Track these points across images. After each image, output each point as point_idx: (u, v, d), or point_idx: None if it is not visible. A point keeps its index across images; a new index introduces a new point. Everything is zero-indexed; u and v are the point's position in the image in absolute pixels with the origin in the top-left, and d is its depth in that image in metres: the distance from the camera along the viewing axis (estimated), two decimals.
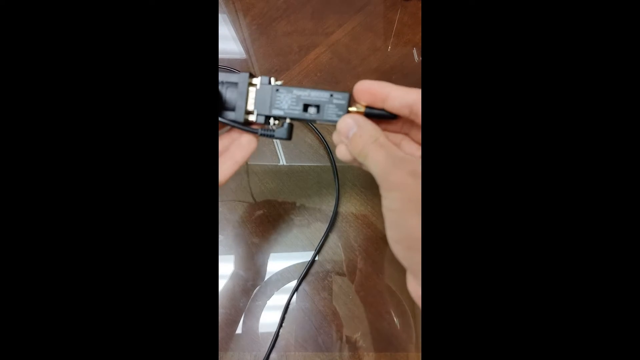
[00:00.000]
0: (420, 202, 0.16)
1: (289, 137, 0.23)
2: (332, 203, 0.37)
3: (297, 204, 0.38)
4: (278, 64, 0.44)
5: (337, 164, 0.39)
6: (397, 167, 0.18)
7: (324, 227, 0.36)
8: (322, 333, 0.33)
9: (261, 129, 0.23)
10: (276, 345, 0.33)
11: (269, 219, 0.37)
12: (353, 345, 0.33)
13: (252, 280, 0.35)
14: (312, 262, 0.35)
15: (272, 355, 0.32)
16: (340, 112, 0.22)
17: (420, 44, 0.44)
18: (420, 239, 0.16)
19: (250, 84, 0.22)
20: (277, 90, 0.22)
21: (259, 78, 0.22)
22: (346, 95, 0.22)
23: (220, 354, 0.32)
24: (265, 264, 0.36)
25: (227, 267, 0.36)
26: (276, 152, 0.40)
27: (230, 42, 0.46)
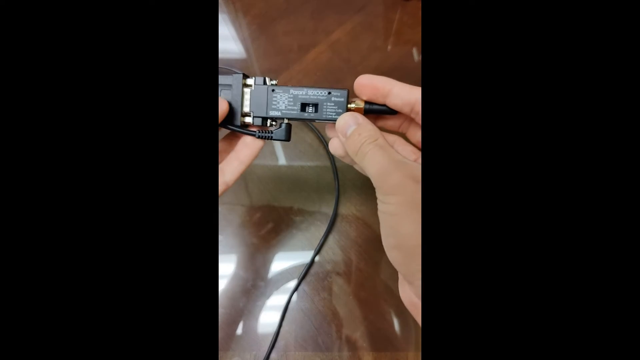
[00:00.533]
0: (419, 207, 0.16)
1: (288, 138, 0.22)
2: (332, 203, 0.37)
3: (297, 204, 0.38)
4: (278, 63, 0.44)
5: (337, 164, 0.39)
6: (396, 170, 0.18)
7: (323, 227, 0.36)
8: (322, 333, 0.33)
9: (259, 131, 0.22)
10: (276, 345, 0.33)
11: (268, 219, 0.37)
12: (353, 345, 0.33)
13: (252, 280, 0.35)
14: (312, 262, 0.35)
15: (272, 355, 0.32)
16: (340, 110, 0.21)
17: (420, 44, 0.44)
18: (418, 246, 0.16)
19: (245, 85, 0.22)
20: (273, 90, 0.21)
21: (253, 79, 0.22)
22: (344, 92, 0.21)
23: (220, 354, 0.32)
24: (265, 264, 0.36)
25: (227, 268, 0.36)
26: (275, 152, 0.40)
27: (230, 42, 0.46)
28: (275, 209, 0.38)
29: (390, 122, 0.22)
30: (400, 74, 0.42)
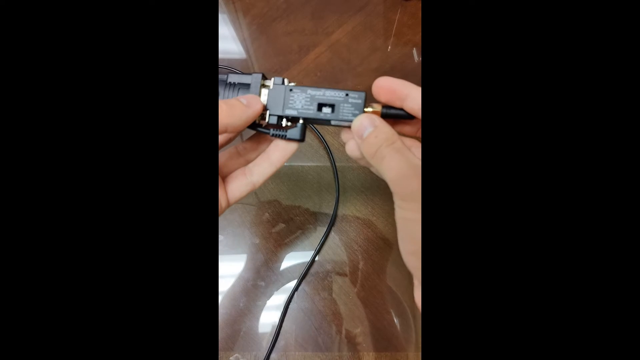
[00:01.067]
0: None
1: (302, 138, 0.22)
2: (332, 203, 0.37)
3: (297, 204, 0.38)
4: (278, 63, 0.44)
5: (337, 164, 0.39)
6: (415, 176, 0.17)
7: (324, 227, 0.36)
8: (322, 333, 0.33)
9: (273, 130, 0.22)
10: (276, 345, 0.33)
11: (268, 219, 0.37)
12: (353, 345, 0.33)
13: (252, 280, 0.35)
14: (312, 262, 0.35)
15: (272, 356, 0.32)
16: (357, 112, 0.21)
17: (420, 44, 0.44)
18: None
19: (263, 86, 0.22)
20: (291, 90, 0.21)
21: (272, 79, 0.22)
22: (362, 94, 0.21)
23: (221, 353, 0.32)
24: (265, 264, 0.36)
25: (227, 267, 0.36)
26: None
27: (230, 42, 0.46)
28: (276, 209, 0.38)
29: (408, 128, 0.22)
30: (400, 75, 0.42)
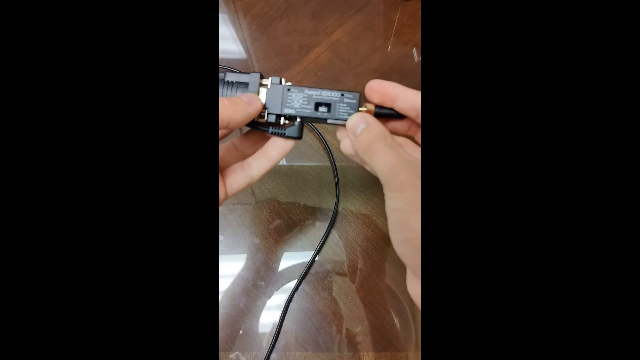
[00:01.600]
0: None
1: (300, 136, 0.23)
2: (332, 203, 0.37)
3: (297, 204, 0.38)
4: (278, 63, 0.44)
5: (337, 164, 0.39)
6: (404, 168, 0.18)
7: (323, 227, 0.36)
8: (322, 333, 0.33)
9: (272, 128, 0.23)
10: (276, 345, 0.33)
11: (268, 219, 0.37)
12: (353, 345, 0.33)
13: (253, 280, 0.35)
14: (312, 262, 0.35)
15: (272, 356, 0.32)
16: (351, 111, 0.22)
17: (420, 44, 0.44)
18: None
19: (261, 85, 0.22)
20: (289, 89, 0.22)
21: (270, 78, 0.22)
22: (357, 94, 0.22)
23: (221, 353, 0.33)
24: (265, 264, 0.36)
25: (227, 267, 0.36)
26: None
27: (230, 42, 0.46)
28: (276, 209, 0.38)
29: (399, 126, 0.23)
30: (400, 75, 0.42)
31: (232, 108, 0.20)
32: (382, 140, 0.19)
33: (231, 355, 0.32)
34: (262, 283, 0.35)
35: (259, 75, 0.22)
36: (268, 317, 0.34)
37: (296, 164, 0.40)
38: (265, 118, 0.22)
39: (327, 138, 0.40)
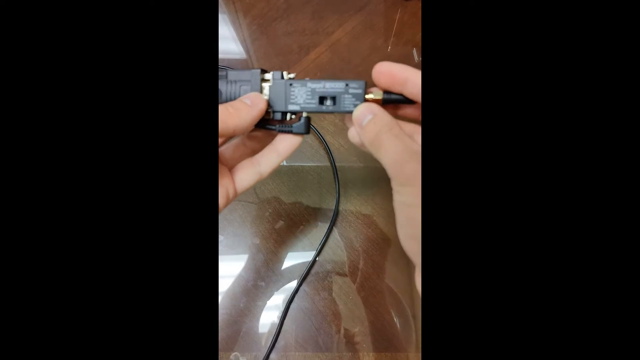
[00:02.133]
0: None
1: (307, 131, 0.22)
2: (333, 203, 0.37)
3: (298, 204, 0.38)
4: (278, 63, 0.44)
5: (337, 164, 0.39)
6: (413, 160, 0.17)
7: (324, 227, 0.36)
8: (322, 333, 0.33)
9: (279, 125, 0.22)
10: (276, 345, 0.33)
11: (269, 219, 0.37)
12: (353, 345, 0.33)
13: (253, 280, 0.35)
14: (313, 262, 0.35)
15: (272, 356, 0.32)
16: (357, 102, 0.21)
17: (420, 44, 0.44)
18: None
19: (263, 80, 0.22)
20: (291, 84, 0.22)
21: (272, 73, 0.22)
22: (362, 83, 0.21)
23: (221, 354, 0.33)
24: (265, 264, 0.36)
25: (227, 267, 0.36)
26: None
27: (230, 42, 0.46)
28: (276, 209, 0.38)
29: (410, 111, 0.22)
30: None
31: (236, 114, 0.20)
32: (389, 132, 0.19)
33: (231, 357, 0.32)
34: (263, 283, 0.35)
35: (259, 71, 0.22)
36: (268, 317, 0.34)
37: (296, 164, 0.40)
38: (272, 116, 0.22)
39: (328, 138, 0.40)
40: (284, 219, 0.37)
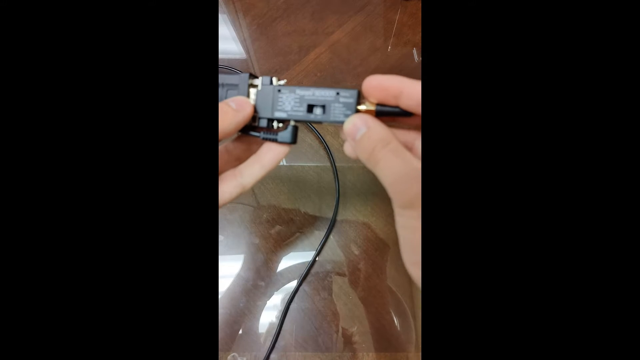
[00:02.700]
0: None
1: (294, 140, 0.21)
2: (333, 203, 0.37)
3: (297, 204, 0.38)
4: (278, 64, 0.44)
5: (337, 165, 0.39)
6: (414, 180, 0.16)
7: (324, 227, 0.36)
8: (322, 333, 0.33)
9: (263, 133, 0.21)
10: (276, 345, 0.33)
11: (268, 220, 0.37)
12: (353, 345, 0.33)
13: (253, 280, 0.35)
14: (313, 262, 0.35)
15: (272, 356, 0.32)
16: (349, 112, 0.20)
17: (420, 44, 0.44)
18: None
19: (252, 85, 0.21)
20: (279, 90, 0.21)
21: (260, 78, 0.21)
22: (354, 92, 0.20)
23: (221, 354, 0.32)
24: (265, 264, 0.36)
25: (227, 267, 0.36)
26: None
27: (230, 42, 0.46)
28: (276, 209, 0.38)
29: (410, 121, 0.20)
30: (400, 75, 0.42)
31: (220, 118, 0.19)
32: (386, 147, 0.17)
33: (229, 357, 0.32)
34: (262, 283, 0.35)
35: (247, 76, 0.21)
36: (268, 317, 0.34)
37: (296, 164, 0.40)
38: (257, 122, 0.21)
39: (328, 139, 0.40)
40: (284, 219, 0.37)
